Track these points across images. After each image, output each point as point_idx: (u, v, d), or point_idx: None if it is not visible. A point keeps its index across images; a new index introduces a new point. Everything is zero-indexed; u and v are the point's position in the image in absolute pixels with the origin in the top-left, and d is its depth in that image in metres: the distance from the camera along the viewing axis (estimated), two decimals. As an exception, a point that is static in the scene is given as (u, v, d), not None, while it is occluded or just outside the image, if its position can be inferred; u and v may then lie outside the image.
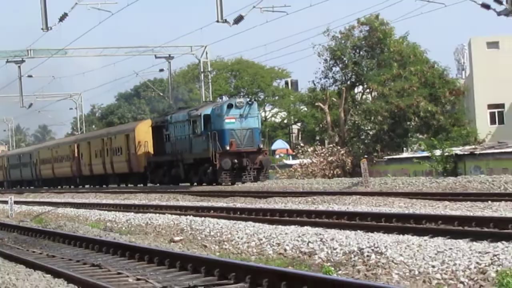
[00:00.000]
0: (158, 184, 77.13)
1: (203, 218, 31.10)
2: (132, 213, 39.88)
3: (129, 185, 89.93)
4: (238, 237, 23.83)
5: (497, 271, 13.80)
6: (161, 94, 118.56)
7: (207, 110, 59.37)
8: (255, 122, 58.80)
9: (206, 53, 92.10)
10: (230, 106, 57.00)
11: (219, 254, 22.02)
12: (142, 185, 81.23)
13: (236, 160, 56.40)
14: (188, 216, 32.57)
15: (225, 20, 52.96)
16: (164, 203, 54.35)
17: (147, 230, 29.56)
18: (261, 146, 61.48)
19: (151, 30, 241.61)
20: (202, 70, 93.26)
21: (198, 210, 39.86)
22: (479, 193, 37.48)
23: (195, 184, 73.37)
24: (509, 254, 14.87)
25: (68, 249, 24.79)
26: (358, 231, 22.20)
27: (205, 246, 23.84)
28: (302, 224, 25.89)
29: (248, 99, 60.35)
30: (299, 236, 21.63)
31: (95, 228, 32.70)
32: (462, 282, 14.11)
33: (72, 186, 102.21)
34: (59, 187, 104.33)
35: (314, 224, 25.69)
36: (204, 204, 47.88)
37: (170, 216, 33.87)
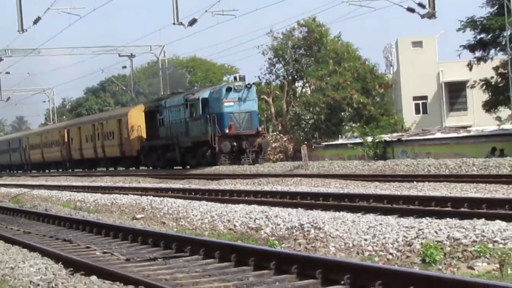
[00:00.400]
0: (151, 168, 70.98)
1: (162, 198, 31.19)
2: (99, 194, 39.59)
3: (119, 168, 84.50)
4: (193, 215, 23.86)
5: (421, 243, 14.01)
6: (124, 88, 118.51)
7: (205, 94, 54.87)
8: (253, 105, 54.74)
9: (164, 52, 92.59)
10: (229, 90, 52.76)
11: (176, 230, 21.98)
12: (134, 168, 75.64)
13: (235, 143, 52.34)
14: (148, 197, 32.69)
15: (181, 22, 54.39)
16: (127, 185, 53.28)
17: (112, 209, 29.52)
18: (260, 129, 56.12)
19: (115, 31, 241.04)
20: (160, 67, 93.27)
21: (158, 191, 39.69)
22: (405, 174, 37.83)
23: (188, 167, 67.45)
24: (432, 228, 15.06)
25: (42, 226, 24.78)
26: (299, 208, 22.44)
27: (164, 223, 23.85)
28: (249, 203, 25.97)
29: (246, 83, 54.39)
30: (247, 214, 21.70)
31: (66, 207, 32.69)
32: (391, 254, 14.28)
33: (60, 170, 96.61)
34: (47, 170, 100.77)
35: (260, 203, 25.75)
36: (163, 185, 47.13)
37: (132, 196, 33.95)
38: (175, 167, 70.47)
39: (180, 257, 15.26)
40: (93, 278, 12.21)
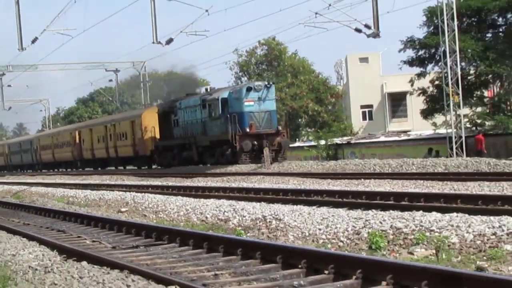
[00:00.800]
0: (164, 167, 62.28)
1: (143, 194, 31.21)
2: (89, 190, 38.34)
3: (129, 168, 77.91)
4: (170, 208, 23.91)
5: (368, 232, 14.17)
6: (110, 99, 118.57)
7: (224, 94, 49.21)
8: (273, 105, 48.93)
9: (145, 67, 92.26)
10: (249, 89, 46.73)
11: (155, 221, 21.97)
12: (146, 167, 68.72)
13: (255, 142, 46.59)
14: (131, 193, 32.57)
15: (159, 41, 53.94)
16: (113, 182, 51.44)
17: (100, 204, 29.54)
18: (279, 128, 50.23)
19: (102, 49, 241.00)
20: (141, 80, 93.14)
21: (139, 188, 38.67)
22: (354, 173, 38.32)
23: (208, 165, 58.59)
24: (377, 219, 15.28)
25: (40, 219, 24.79)
26: (262, 202, 22.45)
27: (145, 215, 23.92)
28: (219, 198, 26.06)
29: (266, 82, 48.80)
30: (217, 207, 21.76)
31: (60, 202, 32.60)
32: (342, 241, 14.44)
33: (70, 169, 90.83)
34: (56, 170, 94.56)
35: (228, 198, 25.81)
36: (144, 183, 46.59)
37: (118, 192, 33.83)
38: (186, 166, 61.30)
39: (159, 245, 15.36)
40: (84, 263, 12.25)
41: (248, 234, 16.81)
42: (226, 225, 18.85)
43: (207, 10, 54.64)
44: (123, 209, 26.49)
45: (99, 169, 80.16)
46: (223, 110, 48.92)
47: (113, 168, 77.88)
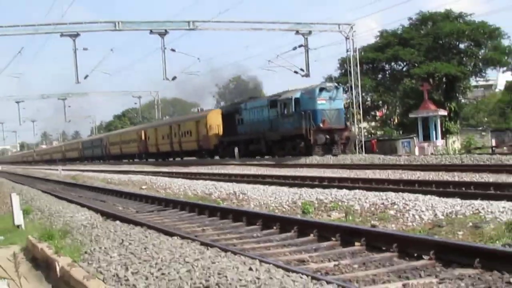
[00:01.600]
0: (227, 158, 50.37)
1: (156, 176, 31.20)
2: (121, 174, 38.45)
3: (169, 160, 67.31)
4: (174, 186, 23.70)
5: (301, 202, 14.15)
6: (136, 115, 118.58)
7: (297, 95, 41.74)
8: (341, 104, 42.51)
9: (158, 95, 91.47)
10: (321, 90, 40.23)
11: (164, 194, 21.39)
12: (209, 158, 56.26)
13: (327, 136, 40.03)
14: (149, 176, 32.57)
15: (167, 78, 50.04)
16: (136, 169, 48.95)
17: (128, 183, 29.34)
18: (348, 124, 43.96)
19: (130, 82, 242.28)
20: (156, 104, 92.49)
21: (154, 174, 37.30)
22: (293, 164, 37.82)
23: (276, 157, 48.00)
24: (307, 194, 15.20)
25: (89, 193, 24.91)
26: (234, 183, 22.13)
27: (158, 191, 23.70)
28: (205, 179, 25.93)
29: (336, 84, 42.80)
30: (205, 186, 21.62)
31: (102, 182, 32.42)
32: (284, 208, 14.39)
33: (136, 160, 79.89)
34: (124, 160, 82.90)
35: (212, 180, 25.63)
36: (156, 170, 45.69)
37: (140, 176, 33.78)
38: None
39: (167, 210, 15.52)
40: (117, 222, 12.52)
41: (225, 203, 16.55)
42: (210, 197, 18.47)
43: (198, 58, 52.92)
44: (143, 187, 26.16)
45: (160, 160, 70.86)
46: (295, 108, 41.27)
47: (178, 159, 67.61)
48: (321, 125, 38.32)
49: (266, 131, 43.23)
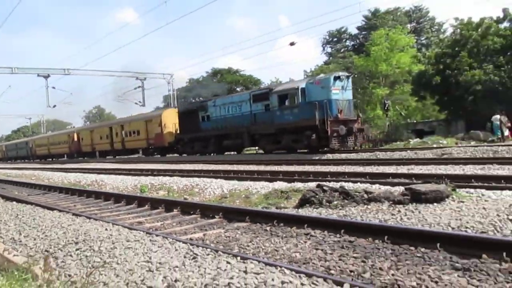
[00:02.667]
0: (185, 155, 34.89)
1: (43, 171, 28.26)
2: (18, 170, 32.32)
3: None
4: (55, 177, 21.78)
5: (140, 185, 13.78)
6: (27, 130, 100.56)
7: (302, 84, 26.40)
8: (351, 94, 28.54)
9: (43, 117, 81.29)
10: (336, 78, 26.92)
11: (48, 183, 18.91)
12: (159, 155, 38.66)
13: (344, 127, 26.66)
14: (37, 171, 29.35)
15: (49, 106, 41.42)
16: (29, 167, 40.00)
17: (22, 176, 25.72)
18: (359, 115, 28.96)
19: (23, 107, 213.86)
20: (42, 123, 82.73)
21: (41, 169, 31.27)
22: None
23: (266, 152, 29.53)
24: (145, 180, 14.79)
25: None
26: (96, 174, 20.78)
27: (43, 180, 21.34)
28: (76, 172, 24.22)
29: (347, 73, 28.50)
30: (76, 176, 20.31)
31: (4, 176, 28.36)
32: (129, 189, 13.94)
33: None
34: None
35: (81, 172, 23.62)
36: (43, 166, 38.54)
37: (31, 171, 30.08)
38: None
39: (49, 193, 14.35)
40: (14, 202, 11.29)
41: (89, 187, 15.52)
42: (80, 184, 17.23)
43: (71, 93, 49.74)
44: (33, 178, 22.92)
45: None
46: (303, 98, 25.84)
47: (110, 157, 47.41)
48: (338, 115, 25.29)
49: (249, 125, 28.05)
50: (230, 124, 28.98)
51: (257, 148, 31.15)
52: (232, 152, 30.77)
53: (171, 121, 36.43)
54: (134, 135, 41.88)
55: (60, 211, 9.03)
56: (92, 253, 5.16)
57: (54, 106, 46.86)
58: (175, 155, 36.25)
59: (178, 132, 34.66)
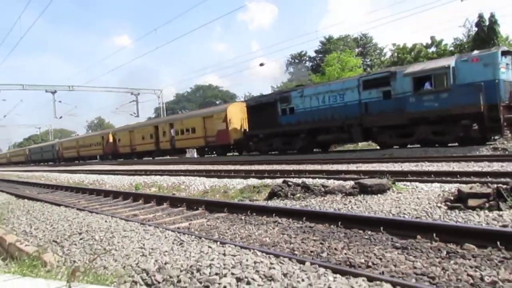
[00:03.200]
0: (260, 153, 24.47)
1: (50, 173, 27.06)
2: (29, 172, 30.08)
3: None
4: (61, 178, 21.09)
5: (135, 183, 13.52)
6: (37, 138, 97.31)
7: (451, 63, 14.04)
8: None
9: (51, 127, 79.12)
10: (504, 53, 13.77)
11: (55, 182, 18.32)
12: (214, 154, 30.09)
13: None
14: (46, 172, 28.20)
15: (56, 117, 40.36)
16: (38, 169, 37.52)
17: (32, 177, 24.60)
18: None
19: (31, 118, 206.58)
20: (50, 132, 79.35)
21: (49, 171, 29.33)
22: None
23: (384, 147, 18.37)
24: (140, 179, 14.53)
25: (6, 184, 20.76)
26: (97, 174, 20.31)
27: (51, 181, 20.62)
28: (80, 173, 23.44)
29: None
30: (79, 177, 19.76)
31: (16, 177, 25.99)
32: (125, 186, 13.64)
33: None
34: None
35: (84, 173, 22.89)
36: (51, 169, 36.78)
37: (40, 172, 28.54)
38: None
39: (56, 191, 13.87)
40: (25, 200, 10.87)
41: (91, 186, 15.12)
42: (83, 183, 16.69)
43: (76, 106, 48.55)
44: (42, 179, 21.85)
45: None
46: (454, 80, 15.08)
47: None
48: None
49: (359, 116, 18.83)
50: (326, 116, 20.61)
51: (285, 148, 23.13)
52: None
53: (237, 117, 27.46)
54: (188, 133, 31.51)
55: (66, 206, 8.77)
56: (94, 242, 5.04)
57: (61, 117, 46.24)
58: (235, 154, 28.27)
59: (247, 128, 25.77)
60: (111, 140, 42.82)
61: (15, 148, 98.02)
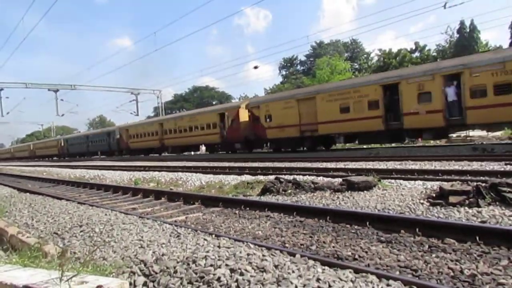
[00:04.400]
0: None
1: (52, 168, 26.86)
2: (31, 167, 28.82)
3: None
4: (63, 173, 20.78)
5: (134, 178, 13.37)
6: (40, 134, 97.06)
7: None
8: None
9: (53, 124, 78.51)
10: None
11: (57, 177, 17.85)
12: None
13: None
14: (47, 168, 27.87)
15: (58, 114, 40.97)
16: (39, 164, 37.32)
17: (34, 172, 24.15)
18: None
19: (34, 115, 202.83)
20: (52, 129, 77.82)
21: (51, 166, 28.89)
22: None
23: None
24: (140, 174, 14.39)
25: (9, 178, 19.90)
26: (98, 169, 20.19)
27: (53, 175, 20.30)
28: (81, 168, 23.26)
29: None
30: (80, 172, 19.57)
31: (19, 172, 25.68)
32: (125, 181, 13.50)
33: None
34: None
35: (85, 168, 22.72)
36: (51, 164, 37.16)
37: (42, 167, 28.42)
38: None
39: (58, 186, 13.69)
40: (27, 193, 10.73)
41: (92, 181, 15.10)
42: (84, 178, 16.42)
43: (77, 104, 47.79)
44: (44, 173, 21.42)
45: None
46: None
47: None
48: None
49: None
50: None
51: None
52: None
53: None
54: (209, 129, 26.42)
55: (67, 200, 8.67)
56: (94, 234, 4.98)
57: (63, 115, 45.70)
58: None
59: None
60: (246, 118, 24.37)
61: (18, 143, 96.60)
